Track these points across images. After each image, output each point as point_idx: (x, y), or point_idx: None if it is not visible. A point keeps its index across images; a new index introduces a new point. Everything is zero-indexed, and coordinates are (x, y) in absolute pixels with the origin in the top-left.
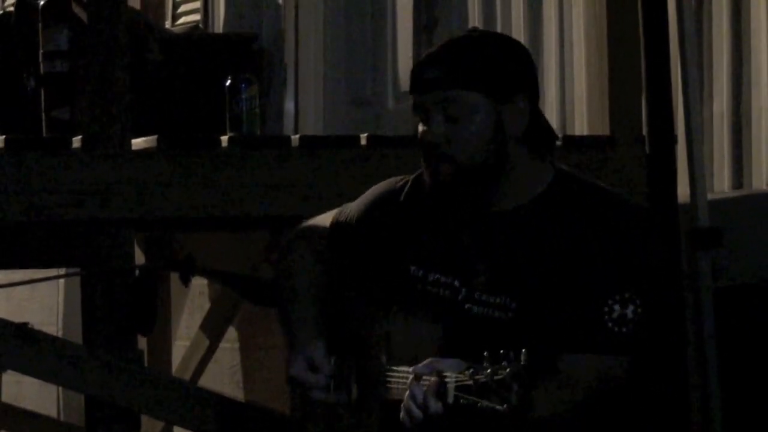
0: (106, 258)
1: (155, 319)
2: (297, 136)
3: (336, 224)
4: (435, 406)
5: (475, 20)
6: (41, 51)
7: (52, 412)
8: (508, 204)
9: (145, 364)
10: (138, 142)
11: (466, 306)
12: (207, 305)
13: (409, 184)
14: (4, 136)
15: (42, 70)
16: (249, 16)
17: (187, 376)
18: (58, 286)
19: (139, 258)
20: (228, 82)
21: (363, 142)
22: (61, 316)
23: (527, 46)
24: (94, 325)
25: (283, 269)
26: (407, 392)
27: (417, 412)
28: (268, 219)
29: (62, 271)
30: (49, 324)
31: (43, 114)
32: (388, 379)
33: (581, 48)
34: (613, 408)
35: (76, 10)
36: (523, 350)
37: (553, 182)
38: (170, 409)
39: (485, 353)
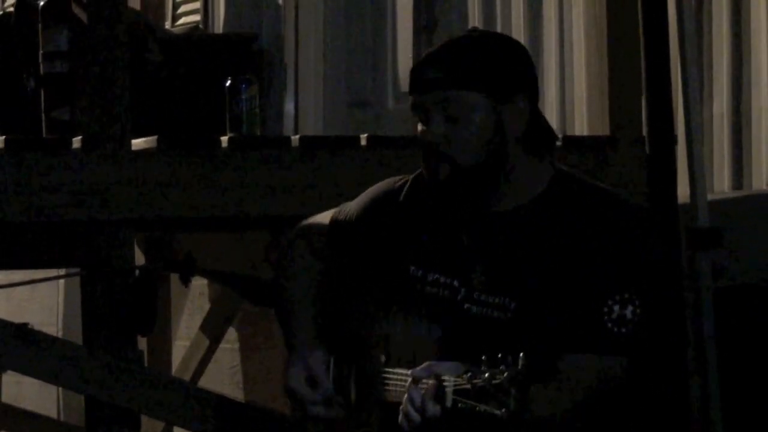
0: (106, 258)
1: (155, 319)
2: (297, 136)
3: (335, 222)
4: (433, 409)
5: (475, 20)
6: (41, 51)
7: (52, 413)
8: (508, 204)
9: (145, 365)
10: (138, 143)
11: (465, 306)
12: (207, 306)
13: (408, 184)
14: (4, 137)
15: (42, 71)
16: (249, 17)
17: (187, 377)
18: (58, 286)
19: (139, 258)
20: (228, 83)
21: (363, 142)
22: (61, 316)
23: (527, 46)
24: (94, 326)
25: (283, 269)
26: (406, 395)
27: (415, 416)
28: (268, 219)
29: (62, 271)
30: (49, 324)
31: (43, 114)
32: (386, 380)
33: (581, 48)
34: (613, 408)
35: (76, 10)
36: (521, 354)
37: (553, 182)
38: (170, 410)
39: (483, 357)
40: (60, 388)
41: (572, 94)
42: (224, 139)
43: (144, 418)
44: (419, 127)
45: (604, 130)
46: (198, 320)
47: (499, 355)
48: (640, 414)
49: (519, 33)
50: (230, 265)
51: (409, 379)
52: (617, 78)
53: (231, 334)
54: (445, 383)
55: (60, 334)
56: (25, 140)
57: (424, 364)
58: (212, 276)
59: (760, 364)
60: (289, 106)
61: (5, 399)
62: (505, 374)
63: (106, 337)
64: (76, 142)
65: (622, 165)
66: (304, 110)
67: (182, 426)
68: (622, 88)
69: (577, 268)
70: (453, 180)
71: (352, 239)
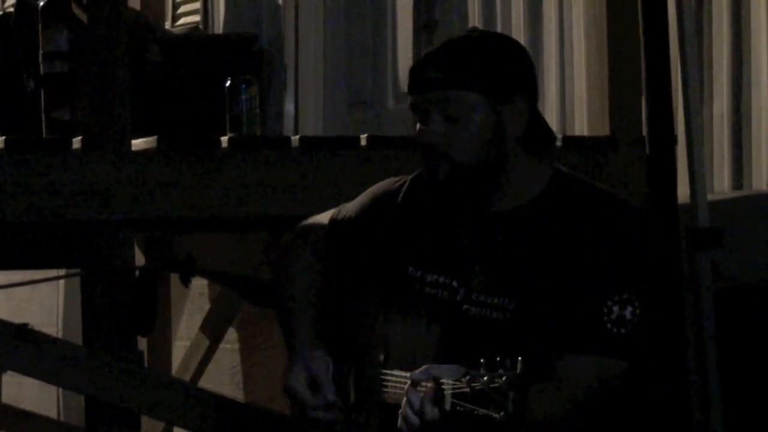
0: (106, 258)
1: (155, 319)
2: (297, 136)
3: (334, 223)
4: (432, 413)
5: (475, 20)
6: (41, 51)
7: (52, 413)
8: (507, 204)
9: (145, 365)
10: (138, 143)
11: (464, 307)
12: (207, 306)
13: (407, 184)
14: (4, 137)
15: (42, 71)
16: (249, 17)
17: (187, 377)
18: (58, 286)
19: (139, 259)
20: (228, 83)
21: (363, 142)
22: (61, 316)
23: (527, 46)
24: (94, 326)
25: (283, 269)
26: (404, 398)
27: (414, 419)
28: (268, 219)
29: (62, 271)
30: (49, 325)
31: (43, 115)
32: (385, 382)
33: (581, 48)
34: (613, 409)
35: (76, 10)
36: (520, 358)
37: (552, 183)
38: (170, 410)
39: (482, 360)
40: (60, 389)
41: (572, 94)
42: (224, 139)
43: (144, 419)
44: (418, 127)
45: (604, 130)
46: (198, 320)
47: (498, 359)
48: (640, 415)
49: (519, 33)
50: (230, 266)
51: (408, 382)
52: (617, 78)
53: (231, 334)
54: (443, 386)
55: (60, 335)
56: (25, 140)
57: (423, 367)
58: (212, 276)
59: (760, 364)
60: (289, 107)
61: (5, 399)
62: (504, 378)
63: (106, 337)
64: (76, 142)
65: (622, 165)
66: (304, 110)
67: (182, 426)
68: (622, 88)
69: (577, 268)
70: (452, 180)
71: (351, 239)
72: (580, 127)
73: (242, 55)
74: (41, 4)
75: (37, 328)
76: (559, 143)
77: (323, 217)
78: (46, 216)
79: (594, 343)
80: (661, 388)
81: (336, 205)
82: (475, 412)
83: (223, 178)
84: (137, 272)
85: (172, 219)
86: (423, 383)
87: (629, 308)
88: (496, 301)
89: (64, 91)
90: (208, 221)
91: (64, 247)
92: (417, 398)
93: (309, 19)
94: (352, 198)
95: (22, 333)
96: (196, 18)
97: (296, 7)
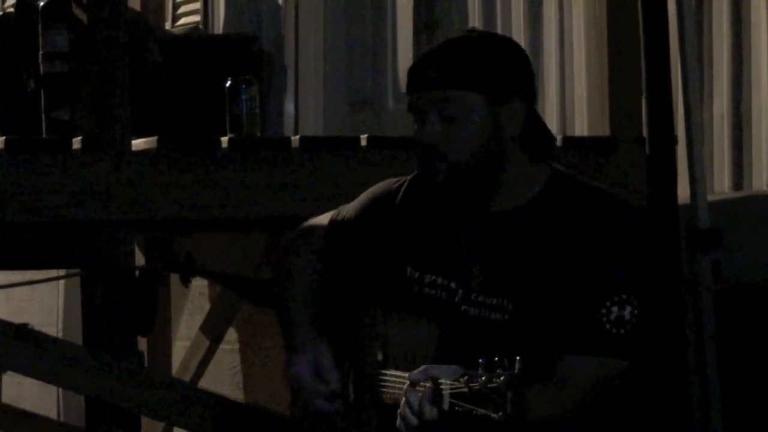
0: (106, 259)
1: (155, 320)
2: (297, 137)
3: (334, 224)
4: (430, 413)
5: (475, 20)
6: (41, 52)
7: (52, 413)
8: (506, 205)
9: (145, 365)
10: (138, 143)
11: (463, 308)
12: (207, 306)
13: (405, 185)
14: (4, 137)
15: (42, 71)
16: (249, 17)
17: (187, 377)
18: (58, 287)
19: (139, 259)
20: (228, 84)
21: (363, 143)
22: (61, 317)
23: (527, 46)
24: (94, 326)
25: (283, 269)
26: (403, 399)
27: (413, 419)
28: (268, 220)
29: (62, 271)
30: (49, 325)
31: (43, 115)
32: (384, 382)
33: (581, 48)
34: (612, 410)
35: (76, 11)
36: (518, 358)
37: (550, 183)
38: (170, 411)
39: (480, 360)
40: (60, 389)
41: (572, 94)
42: (224, 139)
43: (144, 419)
44: (415, 127)
45: (604, 130)
46: (198, 321)
47: (496, 359)
48: (640, 415)
49: (519, 33)
50: (230, 266)
51: (407, 383)
52: (617, 78)
53: (231, 334)
54: (442, 387)
55: (60, 335)
56: (26, 140)
57: (421, 368)
58: (212, 276)
59: (761, 364)
60: (289, 107)
61: (5, 399)
62: (502, 378)
63: (106, 337)
64: (76, 142)
65: (622, 165)
66: (304, 111)
67: (182, 426)
68: (622, 88)
69: (575, 268)
70: (450, 180)
71: (350, 240)
72: (580, 128)
73: (242, 55)
74: (41, 4)
75: (37, 328)
76: (559, 143)
77: (323, 219)
78: (46, 216)
79: (593, 343)
80: (661, 388)
81: (336, 206)
82: (474, 412)
83: (223, 178)
84: (137, 272)
85: (172, 219)
86: (421, 383)
87: (628, 308)
88: (494, 301)
89: (64, 91)
90: (208, 221)
91: (64, 247)
92: (415, 398)
93: (309, 19)
94: (352, 198)
95: (22, 333)
96: (197, 18)
97: (296, 8)
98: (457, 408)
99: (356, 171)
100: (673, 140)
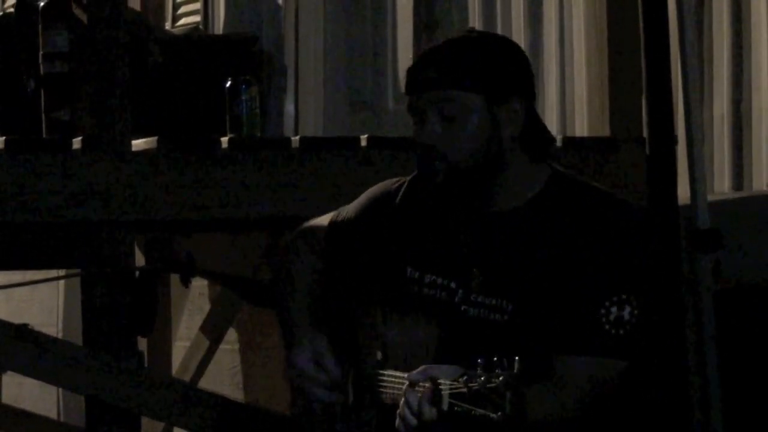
0: (107, 259)
1: (155, 320)
2: (297, 137)
3: (333, 224)
4: (430, 413)
5: (475, 20)
6: (41, 52)
7: (52, 414)
8: (505, 205)
9: (145, 365)
10: (138, 144)
11: (463, 308)
12: (207, 306)
13: (405, 185)
14: (4, 137)
15: (42, 71)
16: (249, 18)
17: (187, 378)
18: (58, 287)
19: (139, 259)
20: (228, 84)
21: (363, 143)
22: (61, 317)
23: (527, 47)
24: (94, 326)
25: (283, 269)
26: (402, 399)
27: (412, 419)
28: (268, 220)
29: (62, 272)
30: (49, 325)
31: (43, 115)
32: (383, 383)
33: (581, 48)
34: (611, 410)
35: (76, 11)
36: (516, 358)
37: (549, 183)
38: (170, 411)
39: (479, 360)
40: (60, 389)
41: (572, 94)
42: (224, 140)
43: (144, 419)
44: (415, 127)
45: (604, 130)
46: (198, 321)
47: (495, 359)
48: (640, 415)
49: (519, 33)
50: (230, 266)
51: (406, 383)
52: (617, 78)
53: (231, 334)
54: (441, 387)
55: (60, 335)
56: (26, 141)
57: (421, 368)
58: (212, 277)
59: (761, 365)
60: (289, 107)
61: (5, 400)
62: (501, 378)
63: (106, 337)
64: (77, 142)
65: (622, 166)
66: (304, 111)
67: (182, 427)
68: (622, 88)
69: (575, 269)
70: (448, 180)
71: (351, 241)
72: (581, 128)
73: (242, 55)
74: (41, 4)
75: (37, 328)
76: (559, 144)
77: (323, 219)
78: (46, 216)
79: (592, 343)
80: (661, 388)
81: (336, 206)
82: (473, 412)
83: (224, 178)
84: (137, 273)
85: (172, 219)
86: (421, 384)
87: (627, 309)
88: (494, 302)
89: (64, 91)
90: (208, 221)
91: (64, 248)
92: (415, 399)
93: (309, 19)
94: (352, 198)
95: (22, 333)
96: (197, 18)
97: (296, 8)
98: (456, 408)
99: (356, 171)
100: (673, 140)
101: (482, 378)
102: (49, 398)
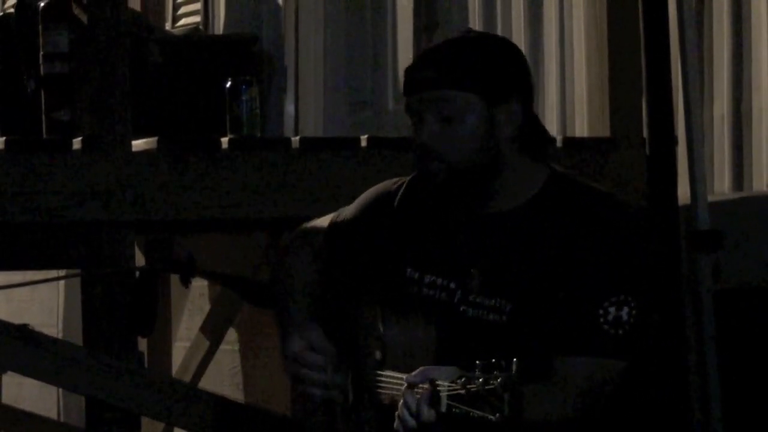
0: (107, 259)
1: (155, 320)
2: (297, 137)
3: (333, 225)
4: (428, 414)
5: (475, 21)
6: (41, 52)
7: (52, 414)
8: (503, 206)
9: (146, 366)
10: (138, 144)
11: (462, 308)
12: (207, 307)
13: (404, 185)
14: (4, 138)
15: (42, 72)
16: (249, 18)
17: (188, 378)
18: (58, 287)
19: (140, 259)
20: (228, 84)
21: (363, 143)
22: (61, 317)
23: (527, 47)
24: (94, 327)
25: (282, 269)
26: (401, 401)
27: (410, 421)
28: (268, 220)
29: (62, 272)
30: (49, 325)
31: (44, 115)
32: (382, 383)
33: (581, 48)
34: (610, 410)
35: (77, 11)
36: (515, 360)
37: (548, 184)
38: (170, 411)
39: (477, 362)
40: (60, 390)
41: (572, 95)
42: (224, 140)
43: (144, 419)
44: (413, 128)
45: (604, 130)
46: (198, 321)
47: (493, 360)
48: (640, 415)
49: (519, 33)
50: (230, 267)
51: (405, 384)
52: (617, 78)
53: (231, 335)
54: (439, 388)
55: (60, 335)
56: (26, 141)
57: (419, 369)
58: (212, 277)
59: (761, 366)
60: (289, 107)
61: (5, 400)
62: (499, 379)
63: (106, 338)
64: (77, 143)
65: (623, 166)
66: (304, 111)
67: (182, 427)
68: (623, 88)
69: (573, 269)
70: (446, 181)
71: (350, 241)
72: (581, 128)
73: (242, 56)
74: (41, 4)
75: (37, 328)
76: (559, 144)
77: (323, 220)
78: (47, 216)
79: (591, 344)
80: (661, 388)
81: (336, 207)
82: (471, 413)
83: (224, 179)
84: (137, 273)
85: (172, 219)
86: (419, 385)
87: (626, 309)
88: (493, 302)
89: (64, 91)
90: (208, 222)
91: (64, 248)
92: (413, 400)
93: (309, 19)
94: (352, 199)
95: (22, 333)
96: (197, 19)
97: (296, 8)
98: (454, 410)
99: (356, 171)
100: (674, 140)
101: (480, 379)
102: (49, 398)
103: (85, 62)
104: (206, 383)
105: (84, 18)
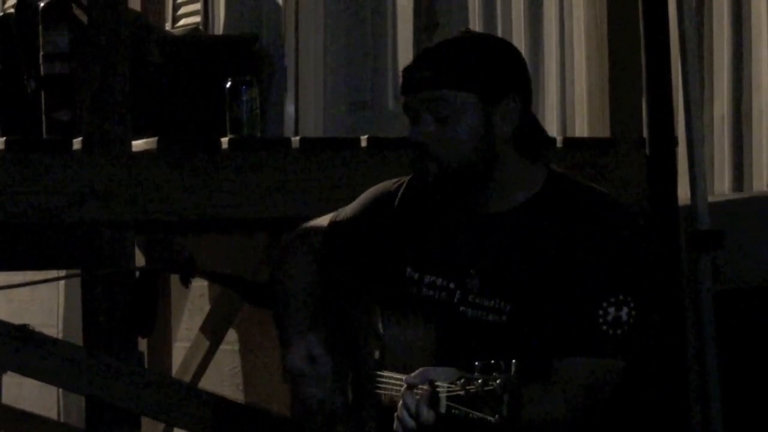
0: (107, 259)
1: (155, 320)
2: (297, 138)
3: (333, 225)
4: (427, 415)
5: (475, 21)
6: (41, 53)
7: (53, 414)
8: (503, 206)
9: (146, 366)
10: (138, 144)
11: (461, 309)
12: (207, 307)
13: (404, 186)
14: (5, 138)
15: (42, 72)
16: (249, 18)
17: (188, 378)
18: (58, 287)
19: (140, 260)
20: (228, 84)
21: (363, 143)
22: (61, 317)
23: (527, 47)
24: (94, 327)
25: (282, 269)
26: (400, 401)
27: (410, 422)
28: (268, 221)
29: (62, 272)
30: (50, 325)
31: (44, 115)
32: (382, 384)
33: (581, 48)
34: (610, 411)
35: (77, 11)
36: (514, 361)
37: (547, 184)
38: (170, 411)
39: (476, 363)
40: (60, 390)
41: (572, 95)
42: (225, 140)
43: (144, 420)
44: (410, 128)
45: (604, 131)
46: (198, 321)
47: (492, 361)
48: (640, 415)
49: (519, 33)
50: (231, 267)
51: (404, 385)
52: (617, 78)
53: (231, 335)
54: (438, 389)
55: (60, 335)
56: (26, 141)
57: (418, 370)
58: (212, 277)
59: (761, 366)
60: (289, 108)
61: (6, 400)
62: (498, 380)
63: (106, 338)
64: (77, 143)
65: (623, 166)
66: (304, 111)
67: (182, 427)
68: (623, 88)
69: (572, 270)
70: (442, 181)
71: (350, 241)
72: (581, 128)
73: (242, 56)
74: (42, 5)
75: (37, 328)
76: (559, 144)
77: (323, 220)
78: (47, 217)
79: (590, 344)
80: (661, 388)
81: (336, 207)
82: (470, 415)
83: (224, 179)
84: (137, 273)
85: (172, 220)
86: (418, 386)
87: (625, 309)
88: (492, 303)
89: (64, 92)
90: (208, 222)
91: (64, 248)
92: (412, 401)
93: (309, 19)
94: (352, 199)
95: (22, 334)
96: (197, 19)
97: (296, 8)
98: (453, 411)
99: (356, 171)
100: (674, 141)
101: (480, 380)
102: (49, 398)
103: (85, 62)
104: (206, 383)
105: (84, 18)
